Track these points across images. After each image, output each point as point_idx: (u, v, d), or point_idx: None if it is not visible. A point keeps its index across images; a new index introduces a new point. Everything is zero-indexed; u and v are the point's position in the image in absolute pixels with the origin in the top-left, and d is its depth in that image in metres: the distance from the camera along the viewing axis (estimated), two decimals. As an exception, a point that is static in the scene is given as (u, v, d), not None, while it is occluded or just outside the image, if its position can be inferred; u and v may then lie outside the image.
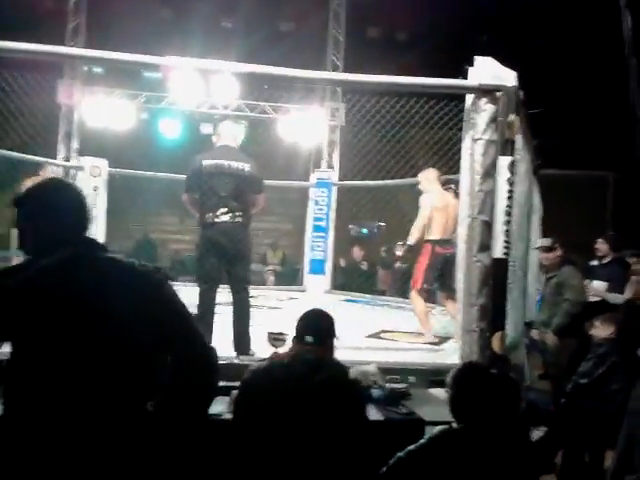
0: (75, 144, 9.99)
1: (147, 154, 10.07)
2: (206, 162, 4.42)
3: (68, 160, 9.80)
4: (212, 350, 1.83)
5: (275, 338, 3.10)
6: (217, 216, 4.31)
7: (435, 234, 5.38)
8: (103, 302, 1.64)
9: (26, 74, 7.73)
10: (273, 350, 3.02)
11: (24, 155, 7.72)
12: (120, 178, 9.70)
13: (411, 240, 5.45)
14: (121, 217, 11.95)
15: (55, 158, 9.68)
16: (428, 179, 5.60)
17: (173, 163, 8.58)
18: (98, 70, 12.81)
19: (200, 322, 4.22)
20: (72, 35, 9.44)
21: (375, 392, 3.22)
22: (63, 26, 9.21)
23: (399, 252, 5.69)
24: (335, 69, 9.95)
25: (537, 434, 4.28)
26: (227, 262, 4.31)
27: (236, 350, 4.09)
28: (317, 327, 2.47)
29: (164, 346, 1.74)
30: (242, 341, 4.14)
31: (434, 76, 4.13)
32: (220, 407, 2.81)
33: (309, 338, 2.39)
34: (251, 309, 4.52)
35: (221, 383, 3.14)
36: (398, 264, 6.19)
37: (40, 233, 1.70)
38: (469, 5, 10.17)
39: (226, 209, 4.31)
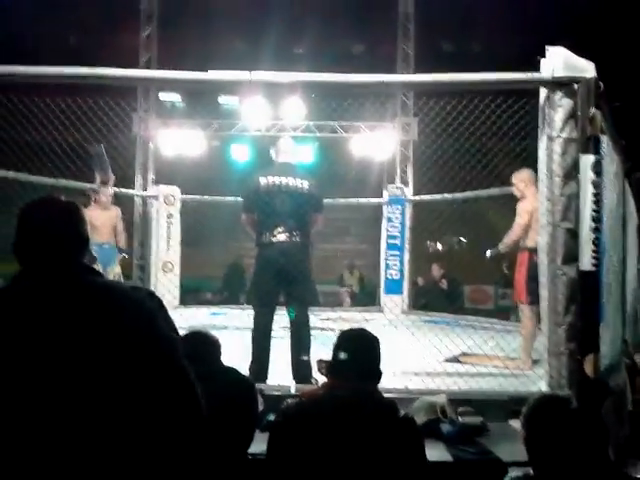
0: (151, 174, 10.22)
1: (220, 180, 10.12)
2: (263, 180, 4.21)
3: (145, 189, 10.03)
4: (196, 416, 1.45)
5: (324, 366, 2.77)
6: (274, 235, 4.09)
7: (532, 242, 4.88)
8: (69, 343, 1.35)
9: (102, 107, 7.90)
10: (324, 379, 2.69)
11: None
12: (196, 205, 9.81)
13: (502, 248, 5.03)
14: (200, 244, 12.12)
15: (133, 188, 9.93)
16: (523, 181, 5.07)
17: (242, 187, 8.53)
18: (171, 100, 13.23)
19: (255, 348, 4.00)
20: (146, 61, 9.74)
21: (444, 427, 2.83)
22: (135, 61, 9.48)
23: (488, 253, 5.22)
24: (405, 84, 9.66)
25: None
26: (285, 284, 4.07)
27: (294, 378, 3.81)
28: (355, 353, 2.06)
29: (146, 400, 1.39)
30: (300, 368, 3.86)
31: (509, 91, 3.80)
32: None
33: (344, 367, 2.03)
34: (316, 333, 4.24)
35: (273, 417, 2.89)
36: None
37: (19, 255, 1.49)
38: (544, 16, 9.70)
39: (283, 228, 4.08)
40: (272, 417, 2.76)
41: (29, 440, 1.30)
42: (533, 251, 4.91)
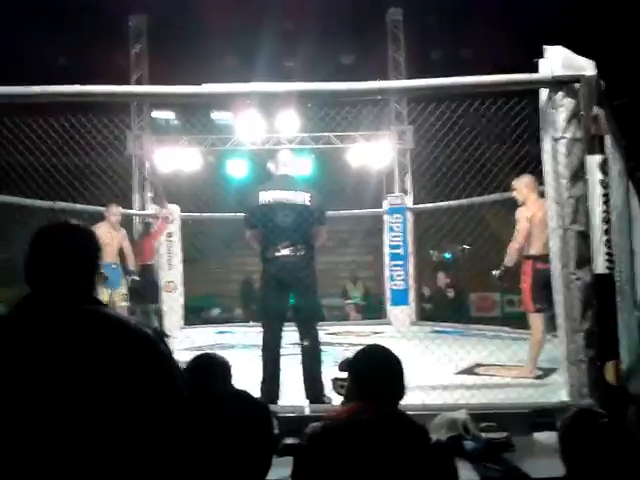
0: (149, 193, 10.13)
1: (217, 196, 10.03)
2: (264, 195, 4.13)
3: (143, 209, 9.93)
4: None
5: (342, 385, 2.63)
6: (278, 250, 3.99)
7: (534, 249, 4.80)
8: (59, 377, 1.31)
9: (96, 126, 7.81)
10: (340, 399, 2.56)
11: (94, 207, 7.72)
12: (195, 222, 9.73)
13: (508, 261, 4.91)
14: (200, 262, 12.01)
15: (131, 208, 9.84)
16: (527, 187, 4.98)
17: (242, 202, 8.46)
18: (165, 118, 13.17)
19: (265, 367, 3.89)
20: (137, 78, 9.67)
21: (468, 444, 2.71)
22: (126, 80, 9.41)
23: (495, 273, 5.11)
24: (398, 91, 9.60)
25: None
26: (292, 299, 3.98)
27: (308, 397, 3.70)
28: (379, 373, 1.94)
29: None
30: (313, 386, 3.74)
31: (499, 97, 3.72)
32: (285, 471, 2.41)
33: (369, 389, 1.91)
34: (324, 348, 4.13)
35: (289, 440, 2.77)
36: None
37: (28, 278, 1.46)
38: (534, 21, 9.67)
39: (287, 243, 3.98)
40: (290, 441, 2.65)
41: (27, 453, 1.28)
42: (536, 258, 4.83)
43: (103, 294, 6.31)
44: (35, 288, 1.44)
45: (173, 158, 9.72)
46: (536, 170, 5.25)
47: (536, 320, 4.83)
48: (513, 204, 5.30)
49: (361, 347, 2.10)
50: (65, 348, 1.33)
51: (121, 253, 6.98)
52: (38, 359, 1.32)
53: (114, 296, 6.64)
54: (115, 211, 6.87)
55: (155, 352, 1.40)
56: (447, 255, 11.69)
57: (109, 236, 6.52)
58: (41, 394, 1.30)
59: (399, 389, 1.97)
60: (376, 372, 1.96)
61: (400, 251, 8.64)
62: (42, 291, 1.43)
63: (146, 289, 7.37)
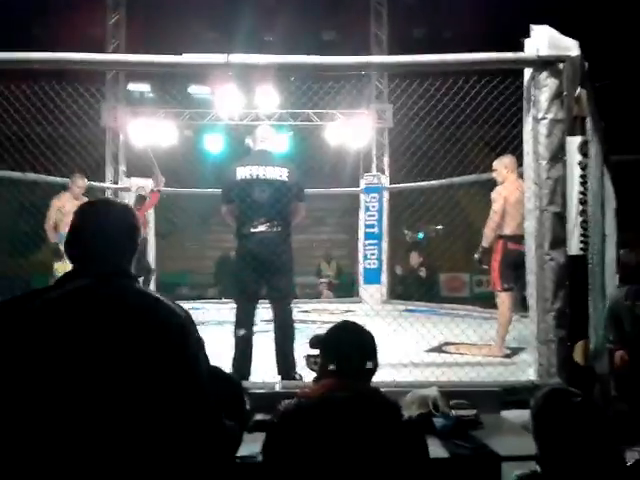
0: (122, 166, 9.96)
1: (194, 171, 9.89)
2: (241, 170, 4.06)
3: (116, 182, 9.76)
4: (224, 436, 1.56)
5: (315, 361, 2.61)
6: (254, 226, 3.94)
7: (508, 229, 4.83)
8: (106, 348, 1.36)
9: (69, 97, 7.61)
10: (313, 375, 2.54)
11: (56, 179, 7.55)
12: (170, 197, 9.59)
13: (485, 242, 4.93)
14: (175, 237, 11.89)
15: (103, 181, 9.67)
16: (507, 167, 4.97)
17: (219, 178, 8.34)
18: (140, 90, 12.91)
19: (237, 343, 3.86)
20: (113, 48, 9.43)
21: (438, 422, 2.71)
22: (102, 49, 9.17)
23: (476, 255, 5.13)
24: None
25: (632, 455, 3.66)
26: (268, 275, 3.93)
27: (279, 373, 3.68)
28: (353, 350, 1.92)
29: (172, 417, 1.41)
30: (285, 363, 3.73)
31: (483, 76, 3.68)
32: (256, 447, 2.39)
33: (343, 366, 1.89)
34: (296, 325, 4.11)
35: (259, 416, 2.75)
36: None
37: (70, 257, 1.52)
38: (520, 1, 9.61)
39: (264, 219, 3.93)
40: (260, 417, 2.63)
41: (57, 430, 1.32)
42: (508, 238, 4.87)
43: (65, 265, 6.33)
44: (77, 264, 1.50)
45: (148, 131, 9.54)
46: (516, 152, 5.28)
47: (504, 299, 4.88)
48: (490, 185, 5.31)
49: (334, 324, 2.07)
50: (100, 327, 1.37)
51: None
52: (74, 334, 1.36)
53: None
54: (80, 183, 6.85)
55: (187, 335, 1.48)
56: (420, 235, 11.74)
57: (69, 206, 6.49)
58: (76, 371, 1.34)
59: (372, 365, 1.95)
60: (350, 349, 1.93)
61: (375, 230, 8.65)
62: (83, 267, 1.49)
63: (140, 261, 7.33)
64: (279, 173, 4.03)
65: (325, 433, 1.72)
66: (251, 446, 2.21)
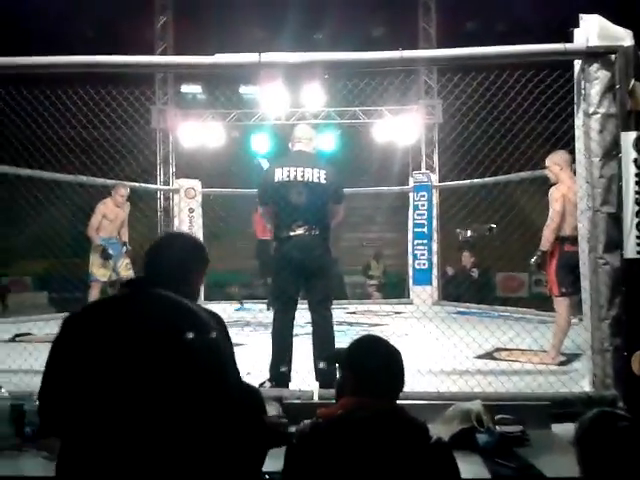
0: (172, 167, 10.08)
1: (241, 171, 9.92)
2: (279, 171, 3.97)
3: (167, 184, 9.89)
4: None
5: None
6: (292, 230, 3.84)
7: (564, 230, 4.54)
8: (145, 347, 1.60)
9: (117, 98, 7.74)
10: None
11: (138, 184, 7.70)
12: (217, 197, 9.65)
13: (544, 245, 4.61)
14: (222, 237, 11.96)
15: (155, 183, 9.81)
16: (558, 164, 4.65)
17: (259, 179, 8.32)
18: (192, 92, 13.05)
19: (275, 350, 3.78)
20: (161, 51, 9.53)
21: (481, 437, 2.55)
22: (151, 52, 9.28)
23: (532, 261, 4.84)
24: (427, 63, 9.28)
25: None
26: (305, 280, 3.84)
27: (317, 380, 3.57)
28: (377, 367, 1.78)
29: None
30: (323, 371, 3.61)
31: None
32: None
33: (365, 384, 1.74)
34: (341, 328, 4.01)
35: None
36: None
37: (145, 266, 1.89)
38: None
39: (301, 222, 3.83)
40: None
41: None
42: (564, 240, 4.58)
43: (108, 266, 6.94)
44: (146, 273, 1.85)
45: (197, 133, 9.61)
46: (567, 148, 4.99)
47: (561, 304, 4.61)
48: (543, 181, 5.03)
49: (357, 338, 1.94)
50: (122, 330, 1.63)
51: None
52: (106, 335, 1.62)
53: (118, 267, 7.07)
54: (122, 192, 7.14)
55: (215, 349, 1.67)
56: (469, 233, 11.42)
57: (114, 213, 7.04)
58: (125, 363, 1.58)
59: (398, 384, 1.82)
60: (375, 367, 1.79)
61: (424, 230, 8.44)
62: (148, 276, 1.84)
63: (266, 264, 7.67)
64: (317, 175, 3.93)
65: (343, 456, 1.61)
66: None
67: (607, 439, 1.64)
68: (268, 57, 3.43)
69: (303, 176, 3.91)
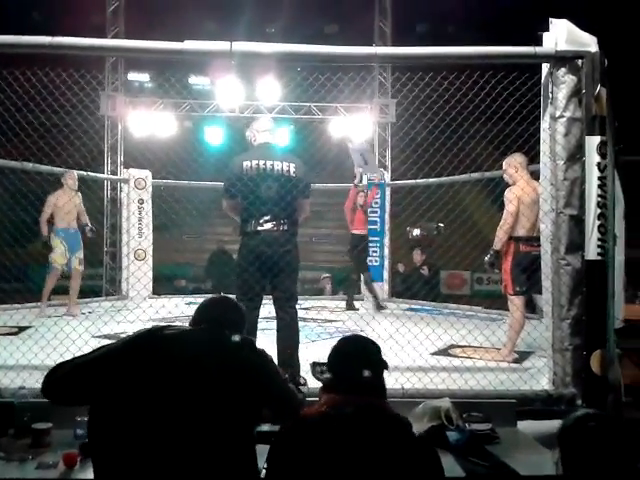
0: (121, 157, 9.79)
1: (192, 163, 9.72)
2: (247, 164, 3.86)
3: (115, 173, 9.59)
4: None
5: (322, 371, 2.42)
6: (260, 224, 3.76)
7: (520, 231, 4.64)
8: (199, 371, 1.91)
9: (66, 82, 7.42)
10: (320, 385, 2.38)
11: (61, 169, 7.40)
12: (168, 189, 9.43)
13: (497, 245, 4.71)
14: (172, 229, 11.72)
15: (102, 172, 9.49)
16: (514, 166, 4.74)
17: (219, 171, 8.16)
18: (140, 80, 12.71)
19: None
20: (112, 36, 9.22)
21: (452, 436, 2.56)
22: (102, 37, 8.96)
23: (486, 259, 4.93)
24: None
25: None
26: (272, 276, 3.76)
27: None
28: (360, 366, 1.80)
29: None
30: (289, 367, 3.55)
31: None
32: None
33: (349, 382, 1.77)
34: (300, 326, 3.95)
35: (265, 427, 2.60)
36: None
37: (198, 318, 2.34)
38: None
39: (270, 216, 3.76)
40: (265, 428, 2.49)
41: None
42: (519, 240, 4.69)
43: (61, 257, 6.69)
44: (206, 323, 2.24)
45: (148, 122, 9.37)
46: (522, 150, 5.11)
47: (516, 303, 4.72)
48: (489, 183, 5.12)
49: (340, 338, 1.98)
50: (213, 357, 1.98)
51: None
52: (180, 358, 1.95)
53: (73, 260, 6.83)
54: (70, 182, 6.93)
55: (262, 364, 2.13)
56: (416, 232, 11.58)
57: (70, 203, 6.75)
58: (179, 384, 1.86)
59: (380, 381, 1.85)
60: (356, 365, 1.82)
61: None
62: (208, 326, 2.21)
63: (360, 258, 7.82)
64: (286, 168, 3.85)
65: (326, 452, 1.60)
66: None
67: (590, 440, 1.67)
68: (240, 46, 3.34)
69: (272, 169, 3.83)
